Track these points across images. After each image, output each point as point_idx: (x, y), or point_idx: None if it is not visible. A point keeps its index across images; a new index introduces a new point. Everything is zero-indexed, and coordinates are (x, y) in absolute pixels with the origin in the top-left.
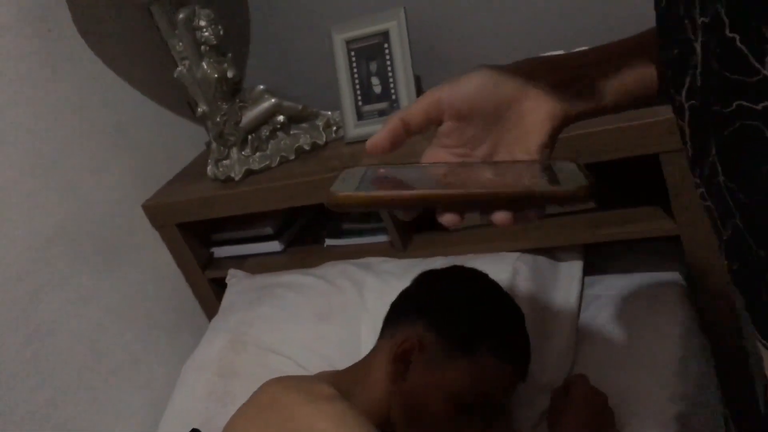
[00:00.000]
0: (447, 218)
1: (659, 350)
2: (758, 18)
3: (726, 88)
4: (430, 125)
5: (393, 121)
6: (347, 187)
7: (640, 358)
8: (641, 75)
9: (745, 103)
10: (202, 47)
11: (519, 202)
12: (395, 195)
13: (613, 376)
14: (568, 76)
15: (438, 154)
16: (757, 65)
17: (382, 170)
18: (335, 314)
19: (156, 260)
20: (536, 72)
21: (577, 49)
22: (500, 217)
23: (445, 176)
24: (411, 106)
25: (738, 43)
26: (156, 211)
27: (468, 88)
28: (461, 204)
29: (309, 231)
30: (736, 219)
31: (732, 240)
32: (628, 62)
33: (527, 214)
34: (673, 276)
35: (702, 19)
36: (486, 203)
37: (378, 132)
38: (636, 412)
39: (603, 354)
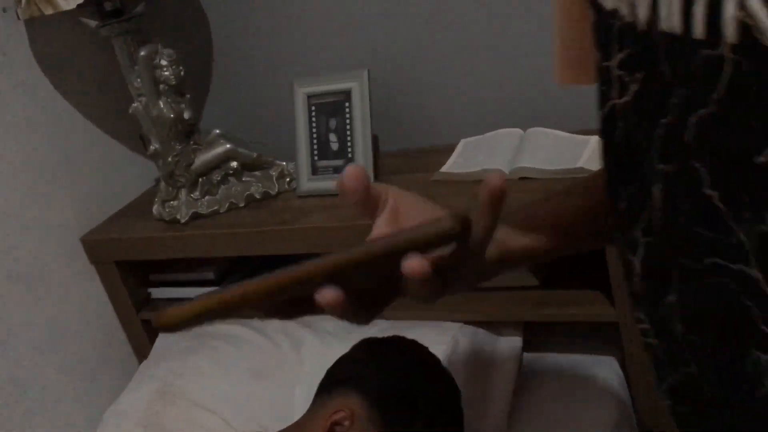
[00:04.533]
0: (323, 294)
1: None
2: (738, 179)
3: (697, 243)
4: (375, 197)
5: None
6: (183, 305)
7: None
8: (582, 214)
9: (721, 262)
10: (161, 86)
11: (389, 257)
12: (243, 289)
13: None
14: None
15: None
16: (735, 226)
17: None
18: (270, 372)
19: (88, 296)
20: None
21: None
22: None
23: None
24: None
25: (716, 201)
26: (95, 247)
27: (411, 194)
28: (328, 275)
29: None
30: (691, 367)
31: (682, 385)
32: (566, 201)
33: (412, 264)
34: (609, 361)
35: (662, 166)
36: (353, 266)
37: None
38: None
39: None
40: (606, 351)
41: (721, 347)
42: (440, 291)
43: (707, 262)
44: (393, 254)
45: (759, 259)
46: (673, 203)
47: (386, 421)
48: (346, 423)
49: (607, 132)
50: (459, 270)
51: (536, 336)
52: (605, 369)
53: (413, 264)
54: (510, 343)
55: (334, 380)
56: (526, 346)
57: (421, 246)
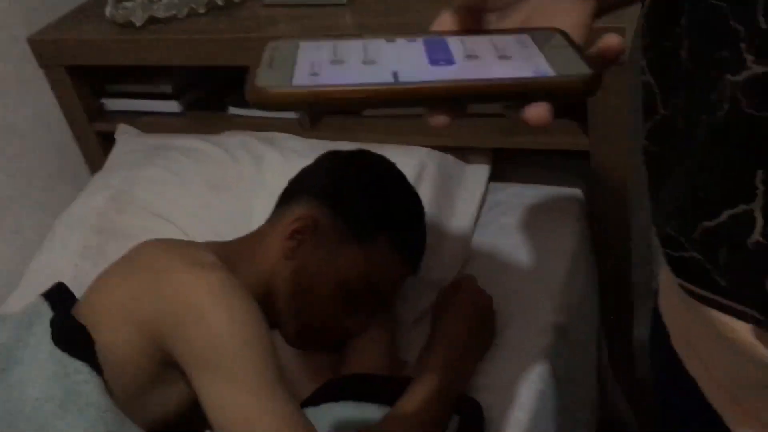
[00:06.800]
0: (434, 120)
1: (549, 262)
2: None
3: None
4: None
5: None
6: (280, 78)
7: (529, 267)
8: None
9: None
10: None
11: (512, 95)
12: (354, 88)
13: (502, 281)
14: None
15: (449, 19)
16: None
17: (324, 46)
18: (229, 185)
19: (39, 103)
20: None
21: None
22: (532, 113)
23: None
24: None
25: None
26: (43, 48)
27: None
28: (437, 99)
29: (212, 96)
30: (668, 109)
31: (664, 121)
32: None
33: (539, 114)
34: (574, 192)
35: None
36: (467, 97)
37: None
38: (518, 317)
39: (495, 259)
40: (573, 183)
41: (706, 72)
42: None
43: None
44: (517, 94)
45: None
46: None
47: (349, 230)
48: (308, 231)
49: None
50: None
51: (504, 165)
52: (569, 200)
53: (540, 114)
54: (477, 170)
55: (297, 189)
56: (494, 175)
57: (548, 96)
